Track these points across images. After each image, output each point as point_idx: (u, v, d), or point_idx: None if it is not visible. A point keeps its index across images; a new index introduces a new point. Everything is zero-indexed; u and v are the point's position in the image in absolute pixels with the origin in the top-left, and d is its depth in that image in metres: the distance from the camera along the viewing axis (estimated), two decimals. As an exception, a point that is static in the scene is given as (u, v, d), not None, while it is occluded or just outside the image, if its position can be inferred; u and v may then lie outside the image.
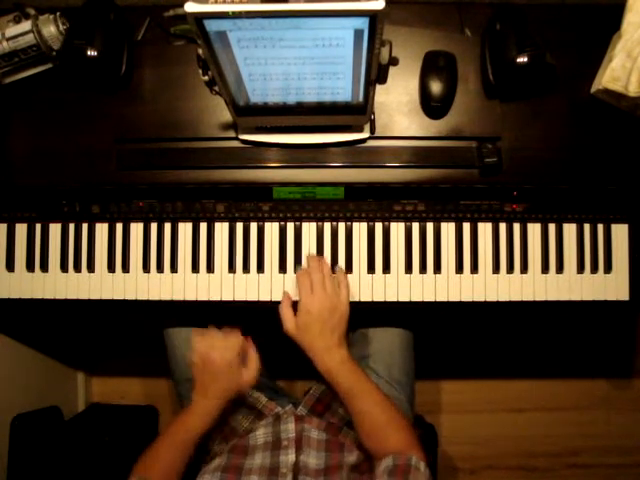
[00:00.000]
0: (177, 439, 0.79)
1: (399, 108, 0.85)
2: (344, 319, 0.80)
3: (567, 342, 1.51)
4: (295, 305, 0.81)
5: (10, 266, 0.88)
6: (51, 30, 0.81)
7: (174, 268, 0.87)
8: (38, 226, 0.88)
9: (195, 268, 0.87)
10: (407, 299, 0.86)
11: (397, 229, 0.87)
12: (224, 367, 0.78)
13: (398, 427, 0.75)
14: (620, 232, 0.87)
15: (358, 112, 0.75)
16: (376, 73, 0.66)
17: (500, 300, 0.86)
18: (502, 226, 0.87)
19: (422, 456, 0.70)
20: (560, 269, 0.87)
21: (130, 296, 0.87)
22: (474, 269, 0.86)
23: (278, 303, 0.83)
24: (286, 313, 0.81)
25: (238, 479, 0.71)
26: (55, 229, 0.88)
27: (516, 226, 0.87)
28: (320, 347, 0.78)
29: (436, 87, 0.82)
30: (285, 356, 1.36)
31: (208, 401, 0.80)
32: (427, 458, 0.70)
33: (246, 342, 0.82)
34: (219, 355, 0.78)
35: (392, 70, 0.71)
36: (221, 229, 0.87)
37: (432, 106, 0.84)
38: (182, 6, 0.52)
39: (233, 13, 0.53)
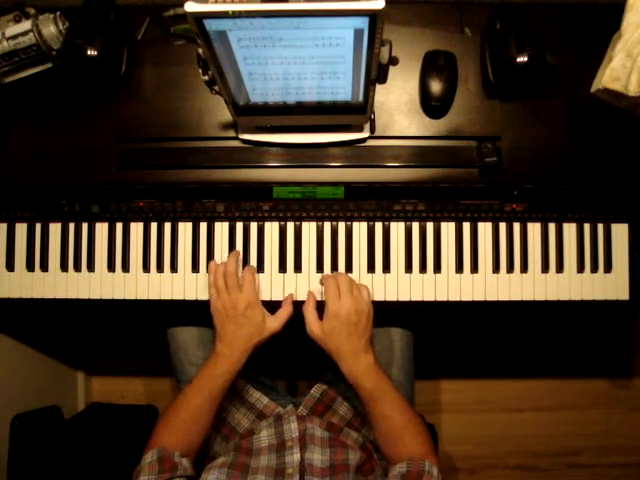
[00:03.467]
0: (204, 388, 0.78)
1: (399, 108, 0.85)
2: (370, 322, 0.79)
3: (567, 342, 1.51)
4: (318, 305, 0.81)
5: (10, 266, 0.88)
6: (51, 30, 0.81)
7: (174, 268, 0.87)
8: (38, 226, 0.88)
9: (195, 268, 0.87)
10: (407, 299, 0.86)
11: (397, 229, 0.87)
12: (246, 309, 0.79)
13: (415, 433, 0.76)
14: (620, 232, 0.87)
15: (358, 112, 0.75)
16: (376, 73, 0.66)
17: (500, 300, 0.86)
18: (502, 226, 0.87)
19: (436, 462, 0.71)
20: (560, 269, 0.87)
21: (130, 296, 0.87)
22: (474, 269, 0.86)
23: (278, 302, 0.84)
24: (311, 316, 0.80)
25: (245, 477, 0.71)
26: (55, 229, 0.88)
27: (516, 226, 0.87)
28: (347, 352, 0.77)
29: (436, 87, 0.82)
30: (286, 356, 1.37)
31: (233, 349, 0.79)
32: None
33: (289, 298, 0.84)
34: (239, 298, 0.79)
35: (392, 70, 0.71)
36: (221, 229, 0.87)
37: (432, 106, 0.84)
38: (182, 6, 0.53)
39: (233, 13, 0.53)
